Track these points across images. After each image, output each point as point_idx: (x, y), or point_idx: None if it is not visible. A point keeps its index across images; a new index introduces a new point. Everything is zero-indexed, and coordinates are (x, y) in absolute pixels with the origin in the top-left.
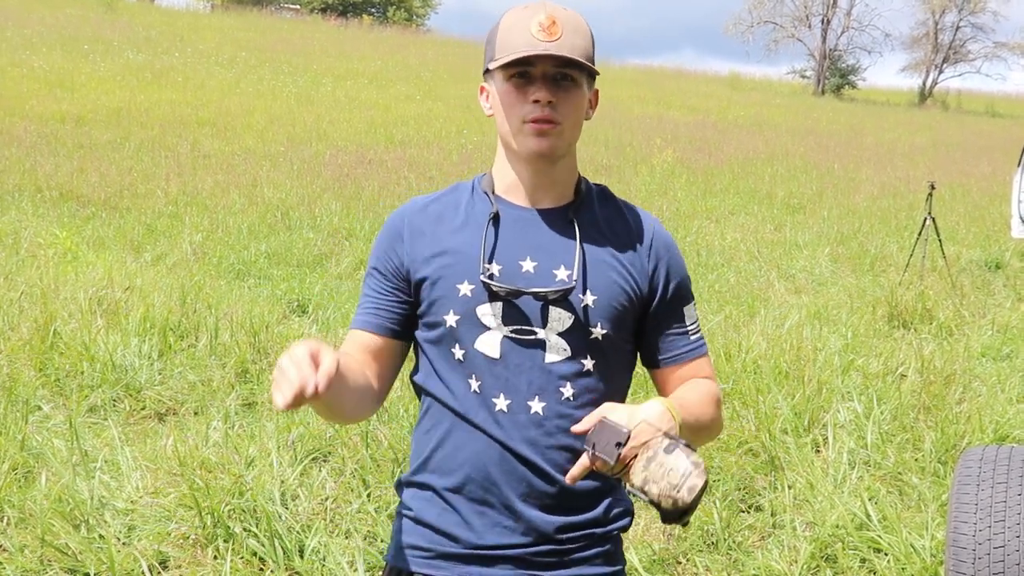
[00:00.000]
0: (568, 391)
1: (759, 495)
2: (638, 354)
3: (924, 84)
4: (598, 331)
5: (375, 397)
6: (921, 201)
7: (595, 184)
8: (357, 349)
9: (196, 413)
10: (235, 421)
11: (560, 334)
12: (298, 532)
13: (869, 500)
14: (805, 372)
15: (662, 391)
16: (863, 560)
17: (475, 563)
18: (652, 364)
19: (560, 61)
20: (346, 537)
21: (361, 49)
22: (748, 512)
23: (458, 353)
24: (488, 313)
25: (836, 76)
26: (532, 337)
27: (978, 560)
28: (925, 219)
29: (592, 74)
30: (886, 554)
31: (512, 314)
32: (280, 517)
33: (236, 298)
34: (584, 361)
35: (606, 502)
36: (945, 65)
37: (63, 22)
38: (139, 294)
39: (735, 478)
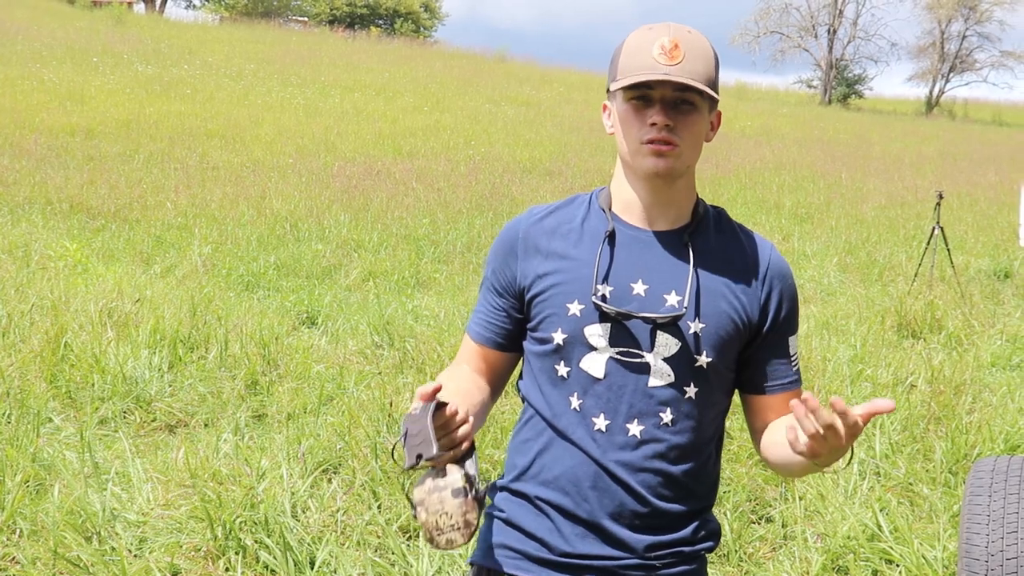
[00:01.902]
0: (667, 416)
1: (770, 506)
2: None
3: (931, 93)
4: (703, 359)
5: (490, 399)
6: (929, 211)
7: (712, 207)
8: (470, 356)
9: (207, 425)
10: (245, 433)
11: (666, 359)
12: (309, 544)
13: (880, 511)
14: (814, 383)
15: (754, 418)
16: (875, 572)
17: (564, 571)
18: (750, 390)
19: (679, 86)
20: (357, 549)
21: (369, 61)
22: (759, 523)
23: (562, 370)
24: (596, 334)
25: (843, 86)
26: (638, 360)
27: (991, 571)
28: (933, 229)
29: (714, 98)
30: (898, 565)
31: (620, 336)
32: (291, 529)
33: (246, 310)
34: (687, 388)
35: (695, 524)
36: (952, 74)
37: (73, 35)
38: (149, 306)
39: (746, 489)
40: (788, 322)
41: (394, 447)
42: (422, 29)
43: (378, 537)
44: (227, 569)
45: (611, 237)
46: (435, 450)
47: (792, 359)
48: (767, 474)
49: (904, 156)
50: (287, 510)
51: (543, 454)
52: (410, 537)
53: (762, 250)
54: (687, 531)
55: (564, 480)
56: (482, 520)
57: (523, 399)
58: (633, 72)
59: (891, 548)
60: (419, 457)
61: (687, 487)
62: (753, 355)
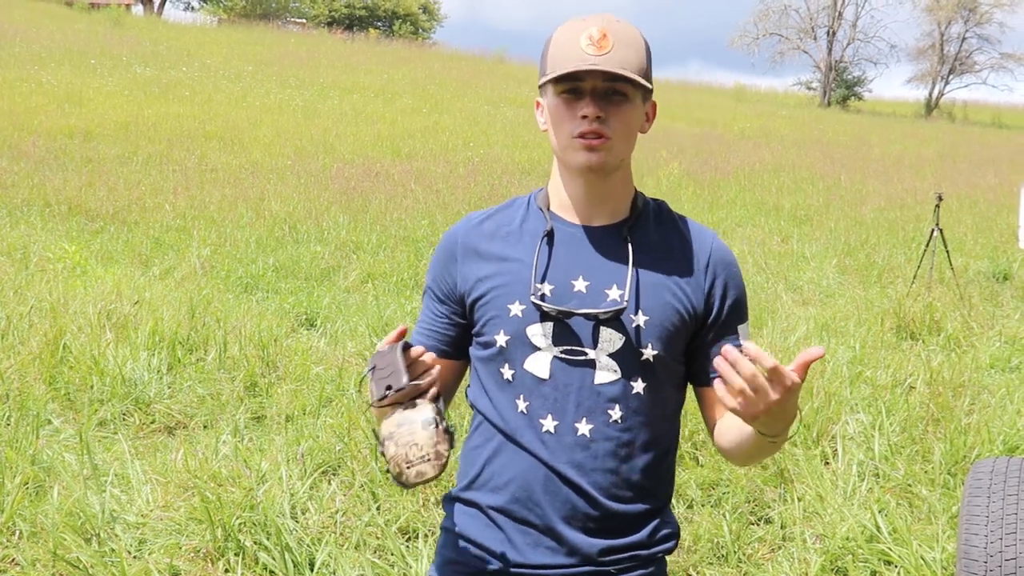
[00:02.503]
0: (616, 413)
1: (769, 507)
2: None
3: (930, 95)
4: (649, 352)
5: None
6: (928, 212)
7: (653, 199)
8: None
9: (206, 427)
10: (245, 434)
11: (611, 355)
12: (308, 545)
13: (879, 512)
14: (813, 384)
15: (708, 411)
16: (873, 572)
17: None
18: (701, 382)
19: (609, 76)
20: (356, 550)
21: (367, 63)
22: (758, 524)
23: (507, 373)
24: (538, 333)
25: (842, 87)
26: (582, 358)
27: (990, 572)
28: (932, 230)
29: (647, 88)
30: (896, 566)
31: (563, 334)
32: (290, 530)
33: (244, 312)
34: (634, 383)
35: (652, 524)
36: (951, 76)
37: (71, 37)
38: (148, 308)
39: (744, 490)
40: (735, 310)
41: (361, 380)
42: (421, 31)
43: (377, 538)
44: (226, 570)
45: (549, 236)
46: (404, 380)
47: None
48: (766, 475)
49: (903, 158)
50: (286, 511)
51: (492, 460)
52: (409, 538)
53: (704, 239)
54: (643, 533)
55: (514, 485)
56: (452, 454)
57: (472, 407)
58: (562, 64)
59: (890, 549)
60: (388, 388)
61: (641, 486)
62: (701, 346)
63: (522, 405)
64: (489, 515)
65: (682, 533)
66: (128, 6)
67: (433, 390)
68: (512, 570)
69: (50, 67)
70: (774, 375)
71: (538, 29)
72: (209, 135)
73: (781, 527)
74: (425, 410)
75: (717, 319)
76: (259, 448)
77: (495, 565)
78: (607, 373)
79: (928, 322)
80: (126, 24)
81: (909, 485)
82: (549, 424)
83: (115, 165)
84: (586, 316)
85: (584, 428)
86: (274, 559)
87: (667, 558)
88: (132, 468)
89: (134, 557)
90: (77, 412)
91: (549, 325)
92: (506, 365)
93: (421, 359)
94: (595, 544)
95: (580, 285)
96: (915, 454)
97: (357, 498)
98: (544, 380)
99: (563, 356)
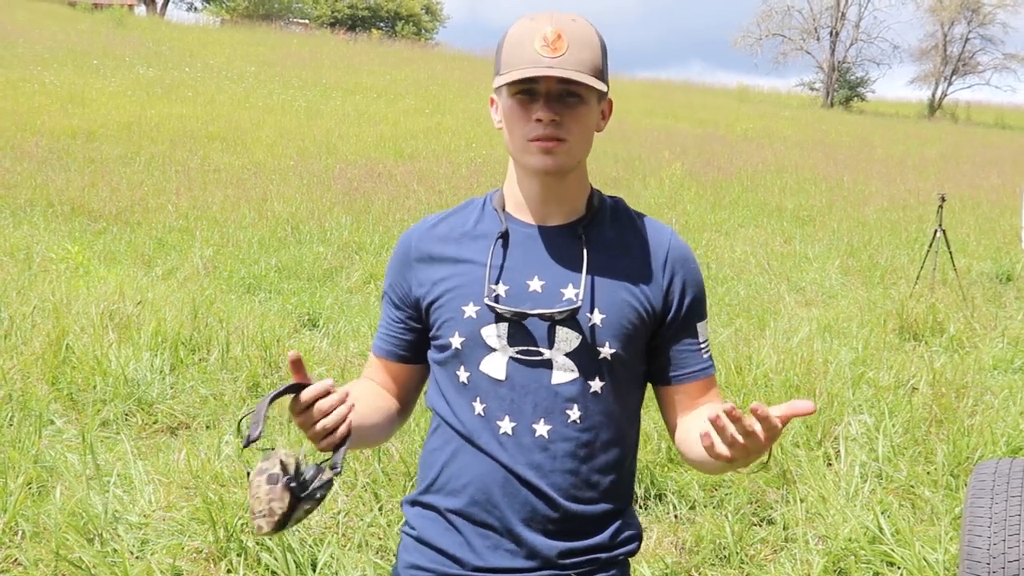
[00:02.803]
0: (575, 414)
1: (771, 509)
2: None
3: (933, 96)
4: (606, 351)
5: (398, 417)
6: (931, 213)
7: (610, 197)
8: (377, 372)
9: (208, 427)
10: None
11: (567, 354)
12: (311, 546)
13: (882, 513)
14: (816, 385)
15: (668, 410)
16: (876, 574)
17: None
18: (661, 381)
19: (563, 80)
20: (358, 550)
21: (370, 63)
22: (760, 526)
23: (463, 375)
24: (493, 335)
25: (845, 88)
26: (538, 358)
27: (992, 574)
28: (935, 231)
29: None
30: (899, 568)
31: (518, 335)
32: (293, 531)
33: (247, 312)
34: (592, 382)
35: (613, 526)
36: (954, 77)
37: (74, 38)
38: (150, 308)
39: (747, 492)
40: (694, 308)
41: (240, 421)
42: (423, 31)
43: (380, 539)
44: (229, 571)
45: (504, 237)
46: (258, 431)
47: (702, 346)
48: (768, 476)
49: (906, 159)
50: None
51: (451, 463)
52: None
53: (661, 236)
54: (604, 535)
55: (473, 488)
56: (287, 506)
57: (431, 410)
58: (516, 66)
59: (892, 551)
60: (248, 439)
61: (601, 487)
62: (661, 344)
63: (479, 407)
64: (448, 518)
65: (685, 534)
66: (131, 7)
67: (341, 430)
68: (471, 573)
69: (53, 67)
70: (766, 425)
71: None
72: (212, 136)
73: (783, 528)
74: (273, 463)
75: (676, 317)
76: (261, 449)
77: (455, 569)
78: (564, 373)
79: (931, 323)
80: (129, 25)
81: (912, 486)
82: (507, 426)
83: (118, 165)
84: (541, 316)
85: (542, 429)
86: (276, 560)
87: (633, 560)
88: (135, 468)
89: (136, 557)
90: (80, 412)
91: (504, 326)
92: (462, 367)
93: (317, 405)
94: (554, 546)
95: (535, 285)
96: (918, 455)
97: (359, 499)
98: (500, 381)
99: (519, 357)
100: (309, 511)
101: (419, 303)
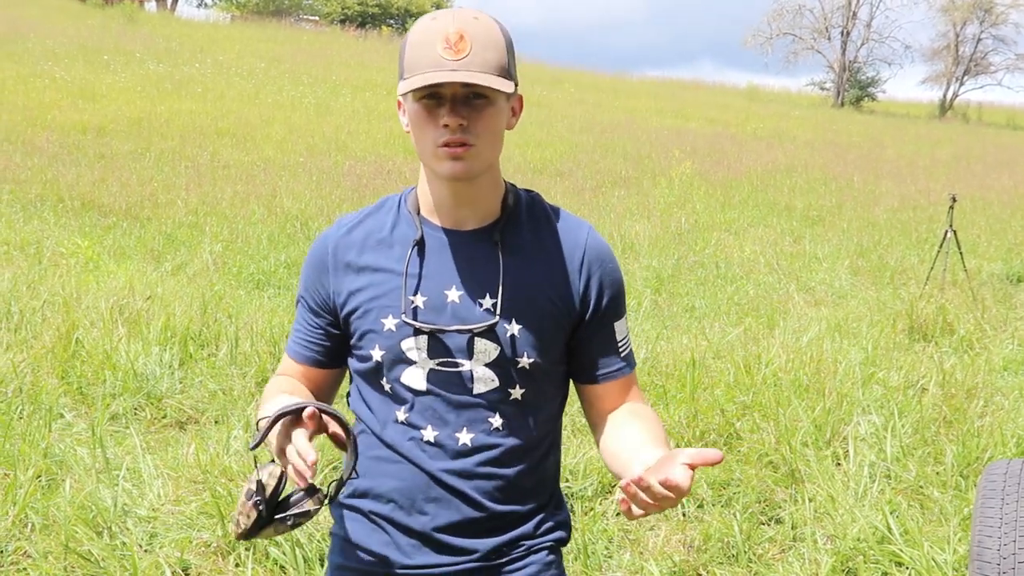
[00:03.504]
0: (497, 421)
1: (779, 508)
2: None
3: (945, 96)
4: (525, 360)
5: None
6: (942, 214)
7: (524, 191)
8: (292, 373)
9: (217, 422)
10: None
11: (487, 365)
12: (319, 541)
13: (890, 514)
14: (825, 385)
15: (589, 409)
16: (884, 574)
17: None
18: (580, 380)
19: (467, 84)
20: None
21: (380, 60)
22: (768, 525)
23: (386, 386)
24: (412, 347)
25: (855, 88)
26: (458, 369)
27: (1003, 574)
28: (946, 232)
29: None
30: (908, 568)
31: (437, 348)
32: (301, 526)
33: (256, 308)
34: (512, 391)
35: (536, 519)
36: (966, 77)
37: (85, 33)
38: (160, 303)
39: (755, 491)
40: (612, 308)
41: (258, 422)
42: None
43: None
44: (237, 565)
45: (420, 244)
46: (254, 443)
47: (620, 345)
48: (777, 475)
49: (917, 159)
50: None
51: (374, 469)
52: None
53: (578, 235)
54: (528, 526)
55: (397, 494)
56: (251, 523)
57: (354, 414)
58: (419, 70)
59: (901, 551)
60: (251, 442)
61: (524, 488)
62: (580, 345)
63: (402, 415)
64: (374, 520)
65: (693, 532)
66: (141, 2)
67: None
68: (399, 571)
69: (63, 63)
70: (674, 490)
71: (548, 28)
72: (221, 132)
73: (792, 527)
74: (251, 478)
75: (593, 318)
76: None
77: (382, 568)
78: (484, 383)
79: (941, 324)
80: (139, 20)
81: (921, 487)
82: (429, 434)
83: (128, 161)
84: (459, 331)
85: (465, 437)
86: (285, 554)
87: (564, 549)
88: (144, 462)
89: (145, 551)
90: (89, 406)
91: (423, 339)
92: (383, 379)
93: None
94: (483, 543)
95: (453, 295)
96: (927, 456)
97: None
98: (422, 392)
99: (439, 368)
100: (279, 532)
101: (337, 311)
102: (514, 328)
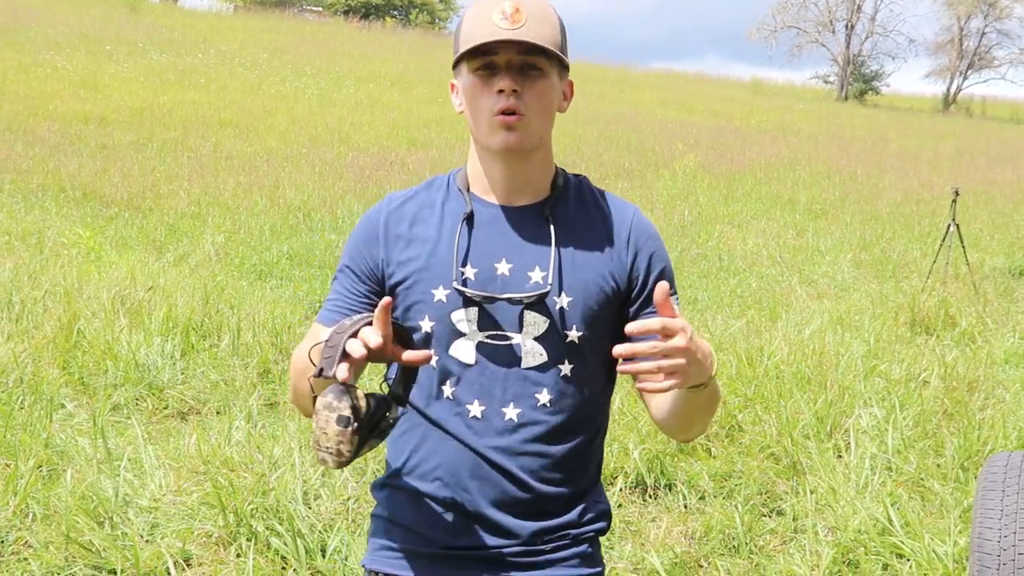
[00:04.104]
0: (544, 397)
1: (781, 500)
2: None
3: (948, 90)
4: (574, 334)
5: None
6: (944, 208)
7: (573, 175)
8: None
9: (219, 412)
10: (258, 421)
11: (536, 338)
12: (320, 531)
13: (891, 506)
14: (827, 377)
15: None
16: (885, 566)
17: (448, 563)
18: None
19: (524, 48)
20: (368, 536)
21: (383, 51)
22: (770, 516)
23: (433, 359)
24: (463, 319)
25: (859, 82)
26: (507, 342)
27: (1003, 567)
28: (948, 225)
29: (563, 64)
30: (908, 560)
31: (487, 319)
32: (303, 516)
33: (258, 299)
34: (561, 366)
35: (580, 507)
36: (970, 71)
37: (87, 23)
38: (162, 294)
39: (757, 482)
40: (660, 279)
41: (312, 348)
42: (437, 20)
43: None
44: (238, 555)
45: (469, 218)
46: (332, 371)
47: None
48: (778, 467)
49: (920, 153)
50: (299, 497)
51: (420, 447)
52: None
53: (624, 215)
54: (573, 514)
55: (442, 471)
56: (355, 448)
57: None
58: (475, 39)
59: (902, 542)
60: (321, 371)
61: (569, 468)
62: (632, 319)
63: (448, 391)
64: (419, 501)
65: (694, 524)
66: None
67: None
68: (443, 551)
69: (65, 52)
70: (665, 330)
71: None
72: (224, 122)
73: (793, 519)
74: (343, 404)
75: (642, 292)
76: (272, 435)
77: (427, 547)
78: (533, 357)
79: (943, 317)
80: (142, 10)
81: (922, 479)
82: (476, 409)
83: (130, 151)
84: (509, 301)
85: (512, 412)
86: (286, 545)
87: (602, 540)
88: (145, 453)
89: (146, 541)
90: (91, 396)
91: (473, 310)
92: (431, 351)
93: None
94: (526, 526)
95: (503, 268)
96: (928, 448)
97: (369, 485)
98: (470, 365)
99: (488, 341)
100: (373, 447)
101: (383, 281)
102: (563, 301)
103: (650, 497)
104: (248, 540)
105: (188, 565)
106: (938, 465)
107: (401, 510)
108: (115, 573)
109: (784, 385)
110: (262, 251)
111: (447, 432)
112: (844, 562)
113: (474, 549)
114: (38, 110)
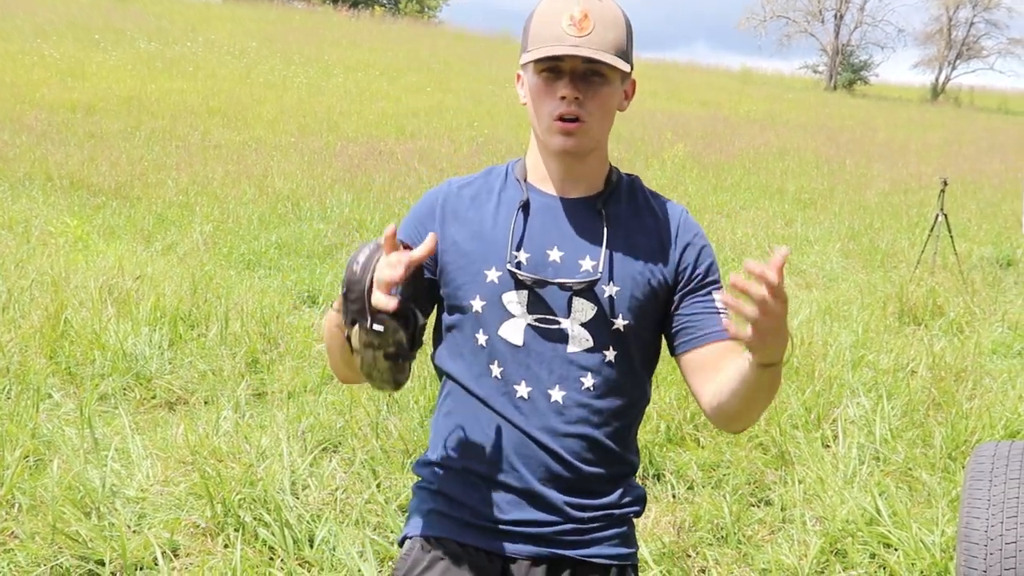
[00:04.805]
0: (589, 381)
1: (769, 489)
2: (664, 345)
3: (937, 80)
4: (620, 322)
5: None
6: (933, 197)
7: (627, 175)
8: None
9: (207, 402)
10: (246, 411)
11: (583, 324)
12: (308, 522)
13: (879, 495)
14: (815, 367)
15: (694, 378)
16: (873, 555)
17: (499, 538)
18: (685, 349)
19: (588, 59)
20: (356, 527)
21: (372, 40)
22: (758, 506)
23: (481, 339)
24: (514, 301)
25: (848, 71)
26: (555, 327)
27: (990, 555)
28: (937, 215)
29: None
30: (896, 549)
31: (537, 303)
32: (290, 507)
33: (246, 288)
34: (606, 352)
35: (620, 489)
36: (958, 61)
37: (75, 10)
38: (149, 283)
39: (745, 472)
40: (710, 277)
41: (335, 300)
42: (426, 9)
43: (377, 515)
44: (226, 545)
45: (525, 206)
46: (369, 324)
47: (721, 311)
48: (767, 457)
49: (909, 143)
50: (287, 488)
51: (467, 425)
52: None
53: (674, 213)
54: (614, 496)
55: (490, 450)
56: (407, 372)
57: (441, 373)
58: (543, 43)
59: (890, 532)
60: (355, 323)
61: (611, 451)
62: (682, 313)
63: (496, 371)
64: (468, 478)
65: (683, 514)
66: None
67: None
68: (493, 525)
69: (53, 40)
70: (774, 288)
71: None
72: (213, 111)
73: (781, 509)
74: (387, 340)
75: (690, 284)
76: (260, 424)
77: (477, 520)
78: (580, 342)
79: (931, 307)
80: None
81: (909, 469)
82: (523, 390)
83: (118, 140)
84: (560, 286)
85: (557, 395)
86: (274, 535)
87: (637, 523)
88: (132, 443)
89: (134, 531)
90: (78, 386)
91: (524, 293)
92: (480, 331)
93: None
94: (572, 501)
95: (555, 255)
96: (916, 438)
97: (357, 475)
98: (518, 347)
99: (536, 324)
100: (415, 357)
101: (438, 258)
102: (612, 290)
103: None
104: (236, 530)
105: (175, 555)
106: (926, 455)
107: (450, 484)
108: (102, 564)
109: None
110: (250, 240)
111: (494, 411)
112: (832, 552)
113: (523, 525)
114: (25, 98)
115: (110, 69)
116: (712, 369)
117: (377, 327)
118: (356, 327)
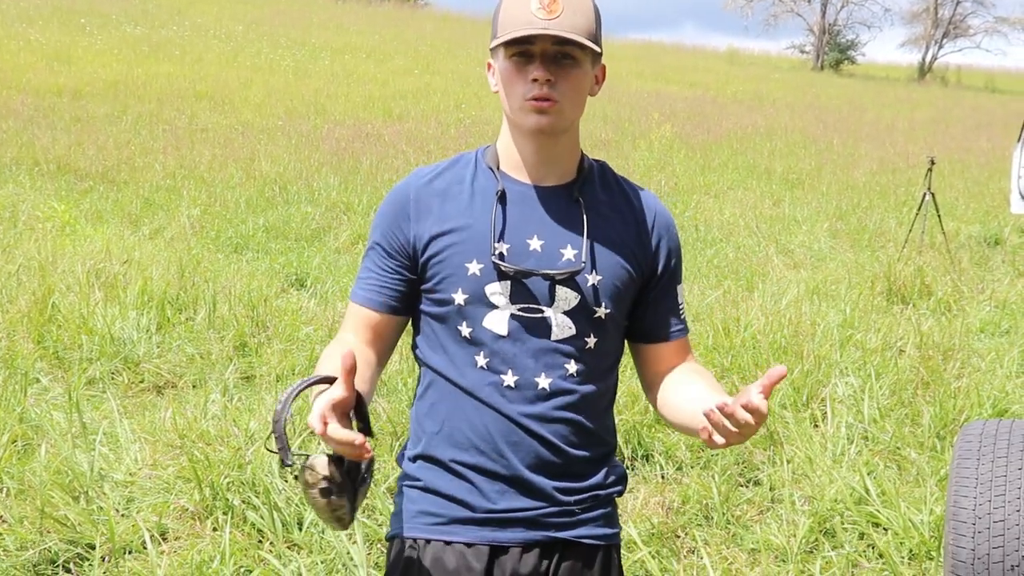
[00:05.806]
0: (572, 368)
1: (758, 469)
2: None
3: (924, 59)
4: (602, 311)
5: (377, 371)
6: (920, 176)
7: (595, 160)
8: (359, 324)
9: (195, 386)
10: (234, 394)
11: (565, 312)
12: (297, 505)
13: (868, 475)
14: (803, 347)
15: (646, 368)
16: (862, 535)
17: (489, 526)
18: (642, 339)
19: (559, 40)
20: None
21: (359, 23)
22: (747, 486)
23: (465, 331)
24: (497, 292)
25: (835, 51)
26: (539, 316)
27: (978, 534)
28: (924, 194)
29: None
30: (885, 529)
31: (520, 293)
32: (279, 490)
33: (234, 272)
34: (587, 339)
35: (604, 469)
36: (945, 40)
37: None
38: (137, 267)
39: (734, 452)
40: (676, 271)
41: (267, 437)
42: None
43: (366, 498)
44: (215, 529)
45: (502, 196)
46: (289, 461)
47: (681, 308)
48: (755, 437)
49: (896, 122)
50: (275, 471)
51: (453, 416)
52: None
53: (649, 201)
54: (599, 477)
55: (478, 439)
56: (350, 506)
57: (421, 363)
58: (512, 27)
59: (878, 511)
60: (282, 461)
61: (594, 433)
62: (647, 306)
63: (482, 361)
64: (454, 468)
65: (671, 494)
66: None
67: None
68: (483, 515)
69: (38, 25)
70: (755, 414)
71: None
72: (199, 95)
73: (770, 489)
74: (317, 478)
75: (660, 279)
76: (248, 408)
77: (466, 513)
78: (563, 330)
79: (919, 286)
80: None
81: (898, 448)
82: (510, 379)
83: (104, 124)
84: (544, 276)
85: (544, 382)
86: (262, 518)
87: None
88: (121, 427)
89: (122, 515)
90: (66, 371)
91: (507, 284)
92: (464, 323)
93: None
94: (560, 486)
95: (535, 244)
96: (904, 417)
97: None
98: (503, 337)
99: (520, 314)
100: (366, 492)
101: (416, 255)
102: (594, 279)
103: (627, 468)
104: (224, 514)
105: (164, 539)
106: (914, 434)
107: (437, 479)
108: (91, 547)
109: (760, 355)
110: (238, 224)
111: (481, 401)
112: (821, 531)
113: (513, 512)
114: (11, 83)
115: (96, 53)
116: (664, 364)
117: (289, 464)
118: (283, 466)
